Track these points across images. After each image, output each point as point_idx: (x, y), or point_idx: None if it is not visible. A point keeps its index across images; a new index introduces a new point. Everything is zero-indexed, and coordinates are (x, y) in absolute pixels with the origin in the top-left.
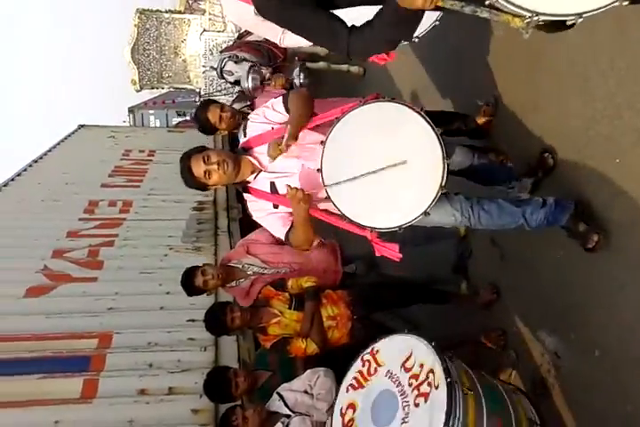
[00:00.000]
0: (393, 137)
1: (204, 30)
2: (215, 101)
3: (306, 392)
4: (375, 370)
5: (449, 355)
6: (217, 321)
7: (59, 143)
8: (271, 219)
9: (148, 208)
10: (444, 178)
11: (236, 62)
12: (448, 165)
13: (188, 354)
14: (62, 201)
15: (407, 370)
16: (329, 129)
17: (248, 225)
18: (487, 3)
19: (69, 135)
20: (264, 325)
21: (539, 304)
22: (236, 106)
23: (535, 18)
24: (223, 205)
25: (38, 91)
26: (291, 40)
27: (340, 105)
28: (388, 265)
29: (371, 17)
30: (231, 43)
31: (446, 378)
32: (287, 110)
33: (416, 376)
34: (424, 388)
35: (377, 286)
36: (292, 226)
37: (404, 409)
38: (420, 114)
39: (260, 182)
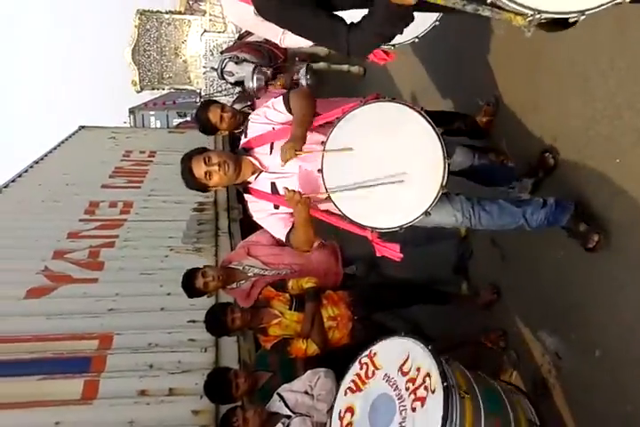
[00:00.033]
0: (394, 137)
1: (205, 31)
2: (216, 101)
3: (306, 393)
4: (373, 373)
5: (446, 357)
6: (217, 322)
7: (59, 144)
8: (272, 220)
9: (148, 209)
10: (445, 178)
11: (236, 63)
12: (449, 165)
13: (189, 355)
14: (63, 202)
15: (404, 374)
16: (329, 129)
17: (249, 226)
18: (489, 1)
19: (70, 136)
20: (264, 325)
21: (539, 304)
22: (237, 106)
23: (537, 16)
24: (224, 205)
25: (39, 92)
26: (291, 40)
27: (340, 105)
28: (388, 266)
29: None
30: (232, 43)
31: (442, 382)
32: (288, 110)
33: (413, 380)
34: (421, 392)
35: (377, 287)
36: (292, 227)
37: (401, 414)
38: (420, 114)
39: (261, 183)
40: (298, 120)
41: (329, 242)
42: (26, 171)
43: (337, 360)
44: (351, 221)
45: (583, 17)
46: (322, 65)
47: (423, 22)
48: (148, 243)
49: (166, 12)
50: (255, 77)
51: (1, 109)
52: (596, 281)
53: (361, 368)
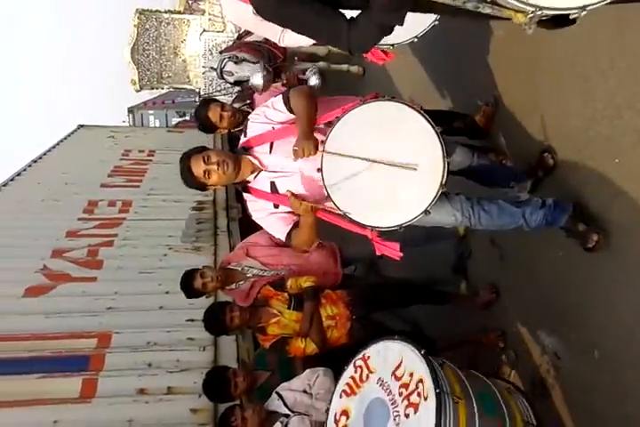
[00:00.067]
0: (393, 136)
1: (204, 30)
2: (215, 100)
3: (305, 392)
4: (367, 377)
5: (439, 361)
6: (216, 321)
7: (58, 143)
8: (271, 219)
9: (147, 208)
10: (445, 177)
11: (235, 63)
12: (448, 164)
13: (188, 354)
14: (62, 201)
15: (397, 379)
16: (329, 128)
17: (247, 225)
18: None
19: (69, 135)
20: (263, 324)
21: (538, 304)
22: (236, 105)
23: (539, 12)
24: (222, 204)
25: (38, 91)
26: (290, 39)
27: (340, 104)
28: (387, 266)
29: None
30: (231, 43)
31: (435, 389)
32: (288, 109)
33: (406, 386)
34: (414, 398)
35: (376, 287)
36: (293, 226)
37: (394, 420)
38: (420, 113)
39: (261, 182)
40: (304, 120)
41: (327, 243)
42: (24, 170)
43: (335, 359)
44: (351, 220)
45: (584, 13)
46: (321, 65)
47: (422, 22)
48: (146, 242)
49: (165, 12)
50: (262, 75)
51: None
52: (596, 281)
53: (355, 371)
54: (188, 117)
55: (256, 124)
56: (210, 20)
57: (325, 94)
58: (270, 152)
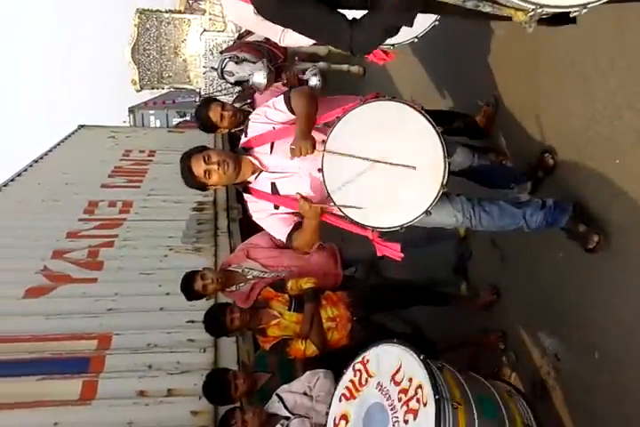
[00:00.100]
0: (394, 136)
1: (205, 30)
2: (216, 99)
3: (305, 394)
4: (366, 381)
5: (438, 364)
6: (216, 322)
7: (59, 143)
8: (272, 220)
9: (147, 209)
10: (446, 177)
11: (236, 63)
12: (449, 164)
13: (188, 355)
14: (62, 201)
15: (397, 384)
16: (330, 128)
17: (248, 226)
18: None
19: (69, 135)
20: (263, 326)
21: (538, 306)
22: (237, 105)
23: (539, 10)
24: (223, 205)
25: (38, 91)
26: (291, 39)
27: (340, 103)
28: (388, 267)
29: None
30: (231, 43)
31: (434, 395)
32: (289, 109)
33: (405, 391)
34: (413, 404)
35: (377, 288)
36: (294, 227)
37: (394, 425)
38: (420, 113)
39: (261, 183)
40: (303, 120)
41: (328, 244)
42: (25, 170)
43: (336, 361)
44: (352, 221)
45: (585, 10)
46: (321, 65)
47: (423, 22)
48: (147, 242)
49: (166, 11)
50: (264, 73)
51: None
52: (596, 282)
53: (355, 375)
54: (188, 117)
55: (257, 124)
56: (210, 19)
57: (326, 94)
58: (271, 152)
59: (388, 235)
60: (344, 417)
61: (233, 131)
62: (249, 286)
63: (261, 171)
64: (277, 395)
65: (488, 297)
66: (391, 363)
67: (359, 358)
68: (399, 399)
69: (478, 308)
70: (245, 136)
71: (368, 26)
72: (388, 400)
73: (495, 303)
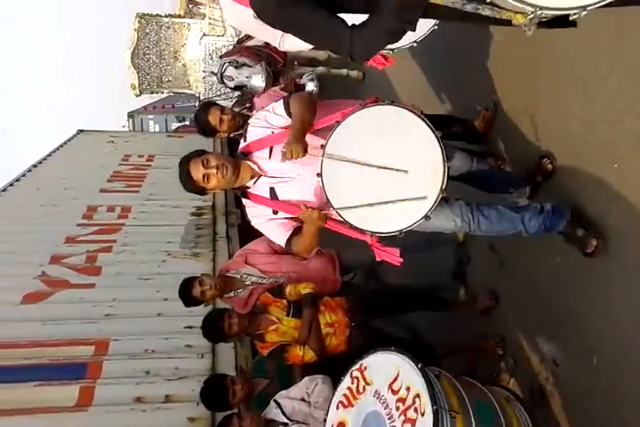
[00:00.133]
0: (393, 140)
1: (204, 35)
2: (215, 103)
3: (303, 400)
4: (364, 389)
5: (436, 372)
6: (215, 328)
7: (58, 148)
8: (270, 225)
9: (146, 214)
10: (445, 181)
11: (236, 67)
12: (449, 169)
13: (186, 361)
14: (61, 206)
15: (394, 392)
16: (329, 133)
17: (247, 231)
18: (488, 0)
19: (68, 140)
20: (262, 332)
21: (537, 310)
22: (236, 110)
23: (538, 12)
24: (222, 210)
25: (38, 95)
26: (290, 43)
27: (339, 107)
28: (386, 273)
29: None
30: (231, 47)
31: (432, 406)
32: (288, 114)
33: (403, 400)
34: (410, 413)
35: (376, 293)
36: (293, 232)
37: None
38: (420, 117)
39: (260, 188)
40: (297, 124)
41: (326, 250)
42: (24, 175)
43: (334, 367)
44: (351, 226)
45: (585, 13)
46: (321, 69)
47: (422, 27)
48: (145, 248)
49: (166, 16)
50: (263, 76)
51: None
52: (594, 287)
53: (352, 382)
54: (187, 122)
55: (256, 129)
56: (210, 24)
57: (325, 99)
58: (270, 157)
59: (387, 240)
60: (341, 425)
61: (232, 135)
62: (247, 291)
63: (260, 176)
64: (275, 401)
65: (486, 302)
66: (389, 371)
67: (356, 366)
68: (397, 408)
69: (477, 313)
70: (244, 141)
71: (368, 31)
72: (385, 409)
73: (494, 308)
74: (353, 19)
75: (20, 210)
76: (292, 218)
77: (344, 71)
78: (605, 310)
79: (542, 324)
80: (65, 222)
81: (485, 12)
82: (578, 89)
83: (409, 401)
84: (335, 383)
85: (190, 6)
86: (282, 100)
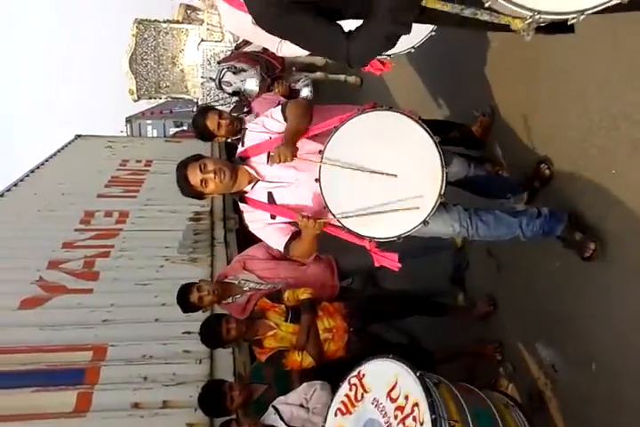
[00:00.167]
0: (391, 146)
1: (202, 40)
2: (213, 108)
3: (302, 406)
4: (362, 396)
5: (435, 380)
6: (213, 333)
7: (55, 153)
8: (269, 230)
9: (144, 219)
10: (444, 187)
11: (234, 73)
12: (447, 174)
13: (184, 367)
14: (58, 212)
15: (393, 400)
16: (327, 138)
17: (245, 236)
18: (487, 5)
19: (66, 145)
20: (260, 337)
21: (535, 316)
22: (234, 115)
23: (537, 16)
24: (220, 215)
25: (36, 100)
26: (288, 49)
27: (337, 113)
28: (384, 278)
29: None
30: (229, 53)
31: (431, 415)
32: (285, 119)
33: (401, 408)
34: (409, 422)
35: (374, 298)
36: (292, 237)
37: None
38: (418, 123)
39: (258, 192)
40: (291, 129)
41: (324, 255)
42: (21, 180)
43: (333, 373)
44: (349, 231)
45: (583, 17)
46: (319, 75)
47: (419, 32)
48: (143, 253)
49: (164, 22)
50: (257, 80)
51: None
52: (593, 292)
53: (350, 389)
54: (185, 127)
55: (254, 134)
56: (208, 29)
57: (321, 104)
58: (267, 162)
59: (386, 245)
60: None
61: (230, 140)
62: (245, 297)
63: (258, 180)
64: (274, 407)
65: (485, 308)
66: (387, 379)
67: (355, 372)
68: (395, 417)
69: (475, 318)
70: (242, 145)
71: (363, 36)
72: (384, 417)
73: (492, 314)
74: (350, 25)
75: (18, 215)
76: (290, 222)
77: (342, 77)
78: (604, 316)
79: (541, 329)
80: (62, 228)
81: (484, 17)
82: (575, 96)
83: (407, 410)
84: (334, 389)
85: (188, 12)
86: (280, 106)
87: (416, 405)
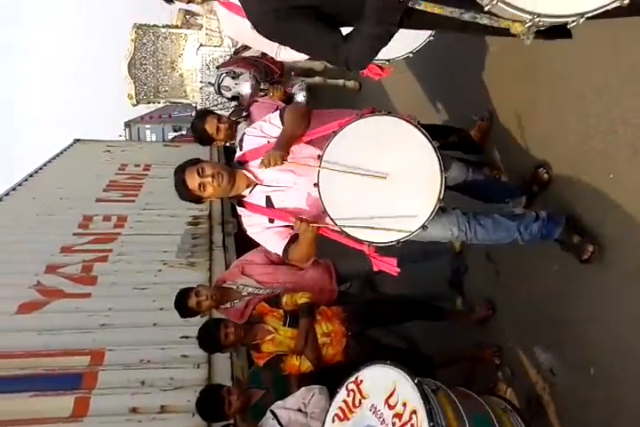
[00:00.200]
0: (390, 151)
1: (201, 45)
2: (212, 112)
3: (300, 410)
4: (360, 402)
5: (433, 387)
6: (211, 337)
7: (54, 158)
8: (267, 234)
9: (142, 223)
10: (442, 191)
11: (233, 78)
12: (446, 179)
13: (181, 371)
14: (57, 216)
15: (391, 407)
16: (325, 143)
17: (243, 240)
18: (486, 9)
19: (65, 150)
20: (258, 342)
21: (534, 320)
22: (233, 119)
23: (536, 19)
24: (218, 219)
25: (34, 105)
26: (287, 54)
27: (336, 117)
28: (383, 283)
29: None
30: (228, 58)
31: (429, 422)
32: (283, 124)
33: (399, 416)
34: None
35: (372, 303)
36: (290, 241)
37: None
38: (416, 127)
39: (256, 196)
40: (286, 132)
41: (323, 260)
42: (20, 184)
43: (331, 377)
44: (348, 236)
45: (582, 20)
46: (318, 79)
47: (418, 37)
48: (141, 257)
49: (163, 26)
50: (250, 84)
51: None
52: (591, 296)
53: (348, 395)
54: (184, 132)
55: (252, 138)
56: (207, 34)
57: (319, 109)
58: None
59: (384, 250)
60: None
61: (228, 144)
62: (243, 302)
63: (256, 184)
64: (272, 411)
65: (483, 312)
66: (385, 385)
67: (352, 378)
68: (393, 424)
69: (474, 322)
70: (240, 150)
71: (355, 38)
72: (382, 424)
73: (491, 318)
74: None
75: (16, 219)
76: (288, 226)
77: (340, 81)
78: (602, 320)
79: (539, 333)
80: (61, 232)
81: (483, 20)
82: (573, 100)
83: (405, 417)
84: (332, 394)
85: (187, 17)
86: (278, 111)
87: (414, 412)
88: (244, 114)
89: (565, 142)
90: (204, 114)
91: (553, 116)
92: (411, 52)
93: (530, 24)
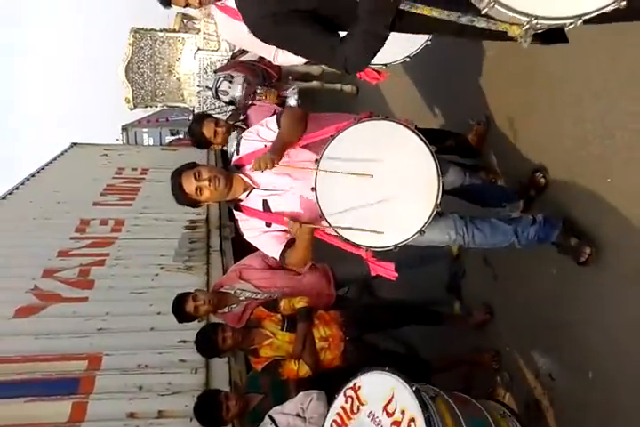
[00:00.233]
0: (388, 155)
1: (199, 49)
2: (210, 116)
3: (298, 416)
4: (358, 409)
5: (432, 394)
6: (208, 342)
7: (51, 161)
8: (264, 238)
9: (139, 227)
10: (439, 196)
11: (230, 82)
12: (443, 184)
13: (179, 376)
14: (54, 220)
15: (389, 415)
16: (322, 147)
17: (240, 244)
18: (483, 12)
19: (62, 153)
20: (256, 346)
21: (532, 324)
22: (230, 122)
23: (534, 22)
24: (216, 223)
25: (34, 105)
26: (285, 58)
27: (333, 122)
28: (381, 287)
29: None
30: (225, 62)
31: None
32: (279, 128)
33: (398, 423)
34: None
35: (370, 307)
36: (287, 245)
37: None
38: (414, 132)
39: (253, 200)
40: (282, 136)
41: (320, 264)
42: (17, 188)
43: (329, 382)
44: (345, 240)
45: (580, 22)
46: (315, 84)
47: (415, 42)
48: (138, 261)
49: (160, 30)
50: (241, 87)
51: None
52: (589, 299)
53: (346, 401)
54: (181, 136)
55: (249, 142)
56: (205, 38)
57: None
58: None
59: (382, 254)
60: None
61: (226, 148)
62: (241, 307)
63: (253, 188)
64: (270, 416)
65: (481, 316)
66: (383, 392)
67: (350, 384)
68: None
69: (472, 327)
70: (237, 154)
71: (349, 41)
72: None
73: (489, 322)
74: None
75: (13, 223)
76: (285, 230)
77: (338, 86)
78: (600, 323)
79: (537, 337)
80: (58, 236)
81: (481, 24)
82: (571, 104)
83: (404, 425)
84: (330, 399)
85: (185, 21)
86: (275, 116)
87: (412, 420)
88: (242, 117)
89: (562, 146)
90: (201, 118)
91: (550, 120)
92: (408, 57)
93: (527, 27)
